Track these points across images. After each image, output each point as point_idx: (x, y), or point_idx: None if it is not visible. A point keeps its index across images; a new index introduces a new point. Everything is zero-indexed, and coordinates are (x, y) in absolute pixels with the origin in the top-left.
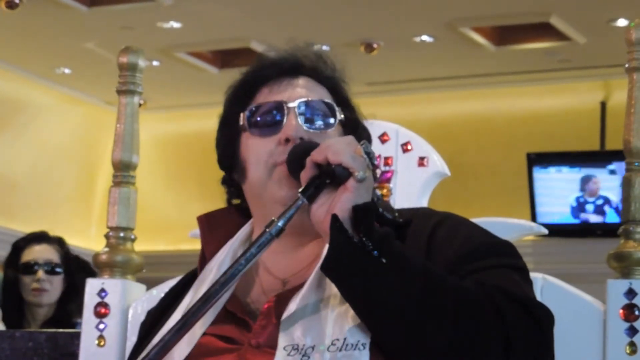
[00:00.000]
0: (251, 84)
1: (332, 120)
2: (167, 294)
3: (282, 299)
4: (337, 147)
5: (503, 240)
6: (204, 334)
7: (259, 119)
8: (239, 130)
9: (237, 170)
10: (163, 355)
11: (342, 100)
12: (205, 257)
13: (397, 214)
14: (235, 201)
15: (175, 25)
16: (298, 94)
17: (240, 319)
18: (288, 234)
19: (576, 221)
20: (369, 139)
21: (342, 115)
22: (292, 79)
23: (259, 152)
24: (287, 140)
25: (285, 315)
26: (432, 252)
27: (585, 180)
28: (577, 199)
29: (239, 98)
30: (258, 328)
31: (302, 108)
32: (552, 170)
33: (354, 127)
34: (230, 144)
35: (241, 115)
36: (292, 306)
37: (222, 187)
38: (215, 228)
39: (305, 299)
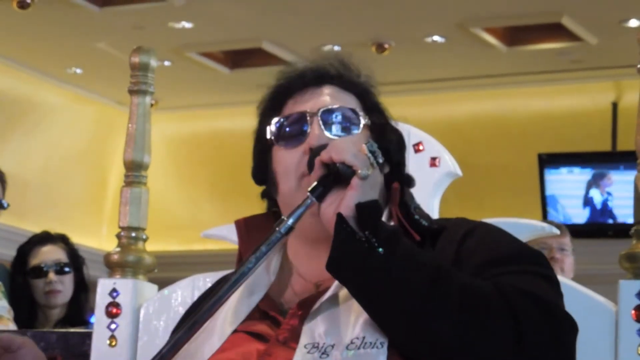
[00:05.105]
0: (278, 98)
1: (355, 126)
2: (214, 285)
3: (312, 299)
4: (340, 146)
5: (534, 250)
6: (236, 330)
7: (284, 130)
8: (269, 145)
9: (270, 184)
10: (174, 353)
11: (371, 105)
12: (242, 260)
13: (432, 221)
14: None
15: (187, 25)
16: (321, 103)
17: (271, 317)
18: (323, 239)
19: (588, 222)
20: (400, 141)
21: (368, 120)
22: (317, 88)
23: (287, 163)
24: (312, 149)
25: (309, 314)
26: (460, 260)
27: (597, 180)
28: (589, 199)
29: (267, 112)
30: (286, 325)
31: (325, 116)
32: (564, 171)
33: (381, 131)
34: (262, 159)
35: (267, 129)
36: (316, 305)
37: (262, 200)
38: (252, 233)
39: (330, 299)
